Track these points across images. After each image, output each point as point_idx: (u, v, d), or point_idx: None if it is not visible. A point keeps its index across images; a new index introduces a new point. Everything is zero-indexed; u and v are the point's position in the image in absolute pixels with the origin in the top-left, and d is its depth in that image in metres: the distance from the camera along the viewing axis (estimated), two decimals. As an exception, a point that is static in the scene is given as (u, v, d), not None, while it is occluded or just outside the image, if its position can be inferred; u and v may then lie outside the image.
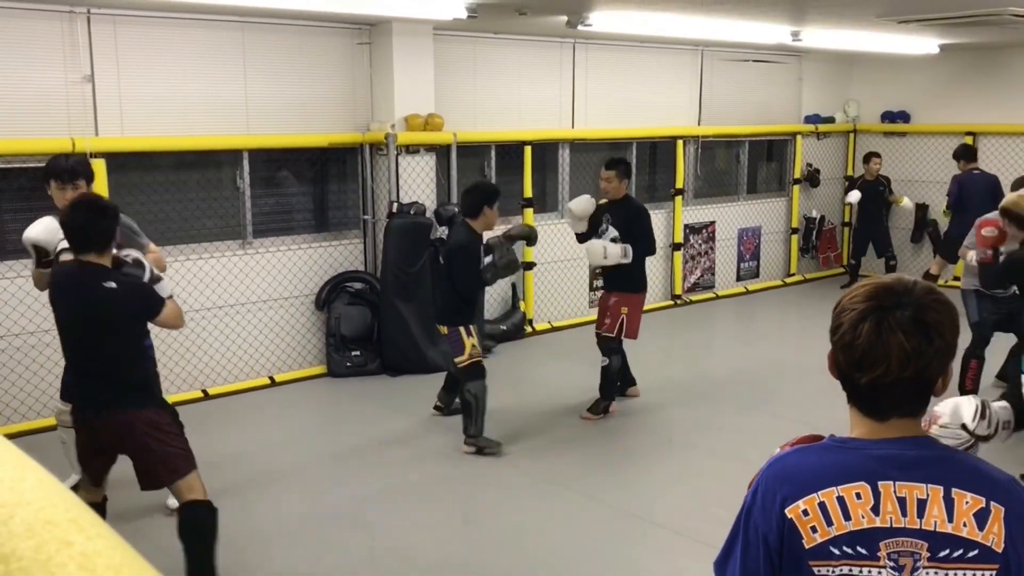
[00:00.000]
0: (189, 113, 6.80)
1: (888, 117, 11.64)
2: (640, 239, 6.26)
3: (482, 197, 5.76)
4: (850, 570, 1.54)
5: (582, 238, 6.50)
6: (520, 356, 8.18)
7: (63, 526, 0.63)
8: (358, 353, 7.51)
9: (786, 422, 6.11)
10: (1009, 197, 5.47)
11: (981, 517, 1.52)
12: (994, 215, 5.76)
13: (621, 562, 4.41)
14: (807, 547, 1.56)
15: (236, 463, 5.57)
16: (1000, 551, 1.51)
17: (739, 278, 11.05)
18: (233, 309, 7.13)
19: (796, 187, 11.39)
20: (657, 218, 6.60)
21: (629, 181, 6.56)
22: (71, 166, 4.50)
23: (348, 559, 4.44)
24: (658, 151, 10.21)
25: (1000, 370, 6.89)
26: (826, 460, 1.61)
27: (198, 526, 3.85)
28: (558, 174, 9.21)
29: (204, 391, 6.92)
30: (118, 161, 6.53)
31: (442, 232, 7.30)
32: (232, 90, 7.01)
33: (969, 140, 10.30)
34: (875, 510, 1.54)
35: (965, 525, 1.52)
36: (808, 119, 11.51)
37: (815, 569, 1.56)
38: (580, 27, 7.33)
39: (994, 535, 1.52)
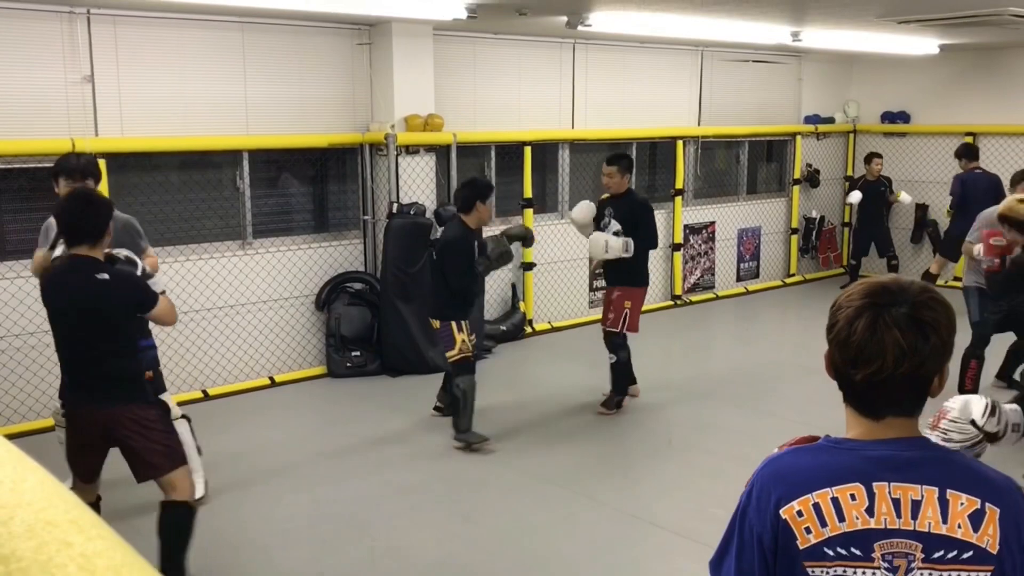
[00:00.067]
0: (189, 113, 6.80)
1: (888, 117, 11.64)
2: (642, 233, 6.30)
3: (475, 192, 5.81)
4: (844, 571, 1.54)
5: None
6: (520, 356, 8.18)
7: (63, 527, 0.63)
8: (358, 353, 7.51)
9: (786, 422, 6.11)
10: (1006, 203, 5.46)
11: (976, 518, 1.52)
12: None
13: (621, 562, 4.41)
14: (801, 548, 1.56)
15: (236, 463, 5.57)
16: (995, 553, 1.51)
17: (739, 278, 11.05)
18: (233, 309, 7.13)
19: (796, 187, 11.39)
20: (657, 218, 6.61)
21: (631, 176, 6.59)
22: (82, 165, 4.62)
23: (348, 559, 4.44)
24: (658, 151, 10.22)
25: (999, 370, 6.90)
26: (821, 461, 1.61)
27: (171, 527, 3.86)
28: (558, 174, 9.21)
29: (204, 391, 6.92)
30: (118, 162, 6.53)
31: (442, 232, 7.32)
32: (232, 90, 7.01)
33: (969, 140, 10.30)
34: (869, 511, 1.54)
35: (960, 526, 1.52)
36: (808, 119, 11.51)
37: (809, 570, 1.56)
38: (580, 27, 7.33)
39: (989, 537, 1.51)
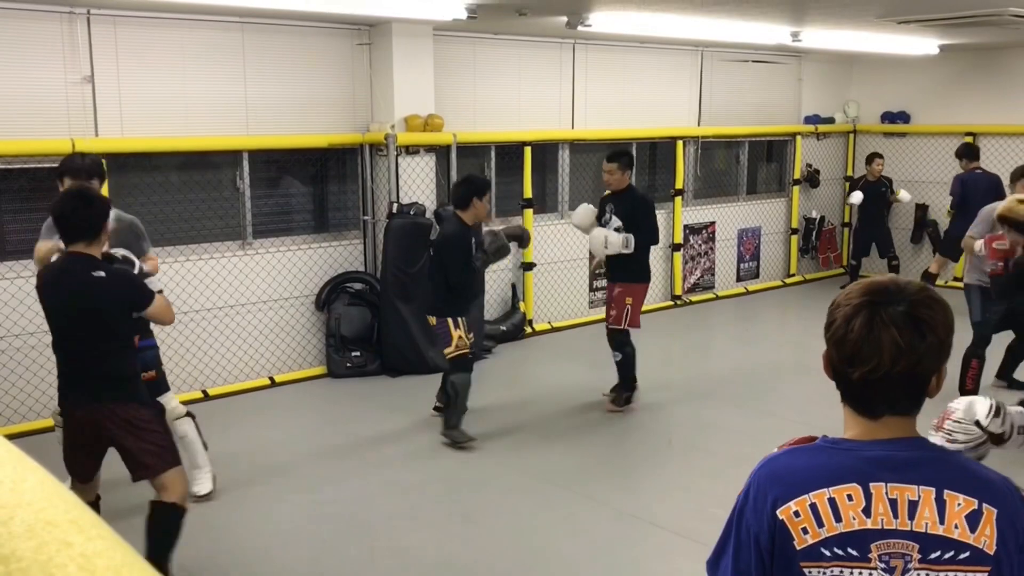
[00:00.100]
0: (189, 114, 6.80)
1: (888, 118, 11.64)
2: (642, 228, 6.31)
3: (471, 189, 5.86)
4: (841, 571, 1.54)
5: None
6: (520, 356, 8.18)
7: (63, 527, 0.63)
8: (358, 354, 7.51)
9: (786, 422, 6.11)
10: (1005, 204, 5.44)
11: (973, 519, 1.52)
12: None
13: (621, 562, 4.41)
14: (798, 548, 1.56)
15: (236, 463, 5.57)
16: (992, 553, 1.51)
17: (739, 279, 11.05)
18: (233, 310, 7.13)
19: (796, 187, 11.39)
20: (657, 219, 6.63)
21: (632, 172, 6.61)
22: (86, 165, 4.63)
23: (348, 559, 4.44)
24: (658, 151, 10.22)
25: (999, 369, 6.90)
26: (818, 461, 1.61)
27: (158, 527, 3.85)
28: (558, 175, 9.21)
29: (204, 391, 6.92)
30: (118, 162, 6.53)
31: (441, 232, 7.34)
32: (232, 91, 7.01)
33: (969, 140, 10.30)
34: (866, 512, 1.54)
35: (956, 527, 1.52)
36: (808, 119, 11.51)
37: (806, 570, 1.55)
38: (580, 28, 7.33)
39: (986, 537, 1.51)
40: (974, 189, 8.98)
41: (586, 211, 6.57)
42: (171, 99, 6.70)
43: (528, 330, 8.76)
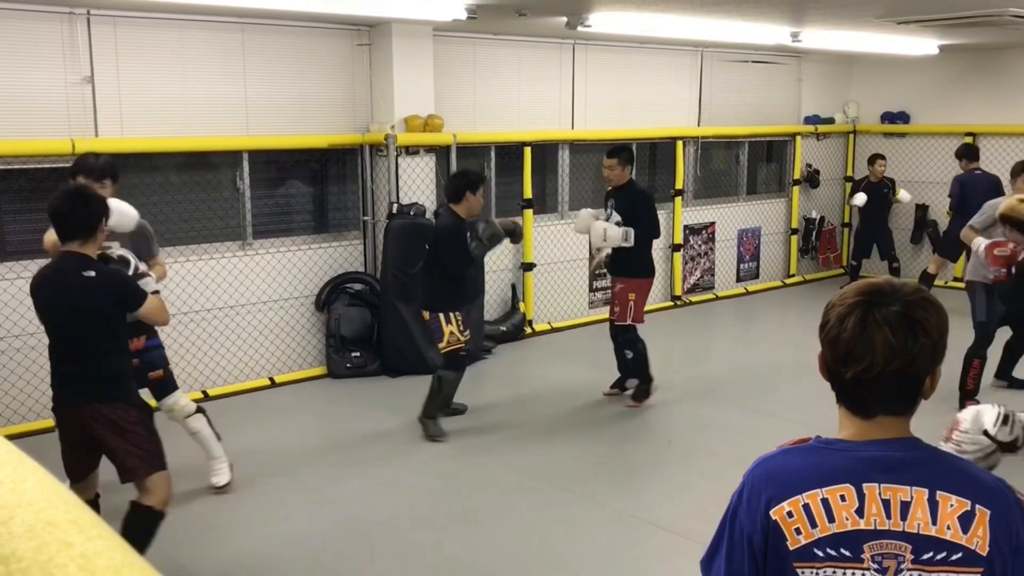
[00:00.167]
0: (189, 114, 6.80)
1: (888, 118, 11.64)
2: (642, 222, 6.34)
3: (465, 182, 5.91)
4: (834, 572, 1.54)
5: None
6: (520, 357, 8.18)
7: (63, 527, 0.63)
8: (358, 354, 7.51)
9: (786, 422, 6.11)
10: (1007, 203, 5.44)
11: (965, 520, 1.52)
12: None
13: (621, 562, 4.41)
14: (791, 549, 1.56)
15: (236, 463, 5.56)
16: (984, 555, 1.51)
17: (739, 279, 11.05)
18: (233, 310, 7.13)
19: (796, 188, 11.39)
20: (658, 213, 6.66)
21: (632, 168, 6.64)
22: (100, 165, 4.64)
23: (348, 559, 4.44)
24: (658, 152, 10.22)
25: (998, 368, 6.89)
26: (811, 462, 1.61)
27: (134, 528, 3.82)
28: (558, 175, 9.21)
29: (204, 392, 6.92)
30: (118, 162, 6.48)
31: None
32: (232, 91, 7.01)
33: (969, 140, 10.30)
34: (859, 512, 1.54)
35: (949, 528, 1.52)
36: (808, 120, 11.51)
37: (799, 571, 1.55)
38: (579, 28, 7.33)
39: (978, 538, 1.51)
40: (973, 190, 8.98)
41: (586, 215, 6.62)
42: (171, 99, 6.70)
43: (528, 330, 8.76)
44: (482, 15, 6.92)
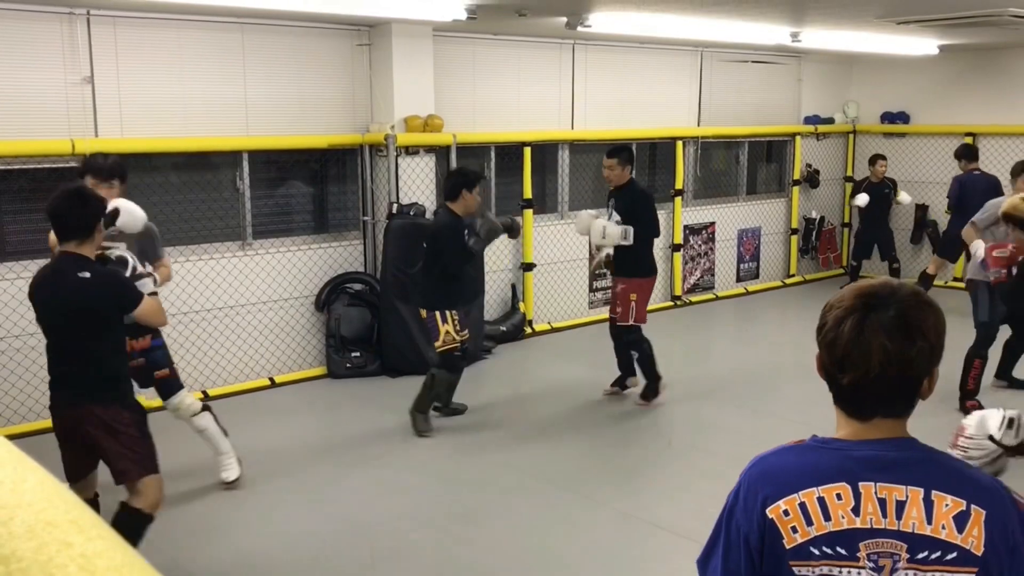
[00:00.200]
0: (189, 114, 6.80)
1: (887, 118, 11.64)
2: (642, 221, 6.35)
3: (461, 181, 5.95)
4: (830, 571, 1.55)
5: None
6: (520, 357, 8.18)
7: (63, 527, 0.63)
8: (358, 354, 7.51)
9: (786, 423, 6.11)
10: (1009, 202, 5.44)
11: (960, 520, 1.52)
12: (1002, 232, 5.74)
13: (620, 562, 4.41)
14: (787, 547, 1.56)
15: (236, 464, 5.57)
16: (979, 554, 1.51)
17: (739, 279, 11.05)
18: (233, 310, 7.13)
19: (796, 188, 11.39)
20: (658, 212, 6.67)
21: (632, 167, 6.65)
22: (108, 165, 4.68)
23: (348, 559, 4.44)
24: (658, 152, 10.22)
25: (998, 368, 6.89)
26: (808, 461, 1.62)
27: (121, 529, 3.80)
28: (558, 175, 9.21)
29: (204, 392, 6.92)
30: (118, 162, 6.53)
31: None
32: (232, 91, 7.01)
33: (969, 140, 10.30)
34: (855, 511, 1.55)
35: (944, 527, 1.52)
36: (807, 120, 11.51)
37: (795, 569, 1.56)
38: (579, 28, 7.33)
39: (973, 538, 1.51)
40: (972, 190, 8.97)
41: (586, 216, 6.64)
42: (171, 99, 6.70)
43: (528, 330, 8.76)
44: (482, 15, 6.93)
